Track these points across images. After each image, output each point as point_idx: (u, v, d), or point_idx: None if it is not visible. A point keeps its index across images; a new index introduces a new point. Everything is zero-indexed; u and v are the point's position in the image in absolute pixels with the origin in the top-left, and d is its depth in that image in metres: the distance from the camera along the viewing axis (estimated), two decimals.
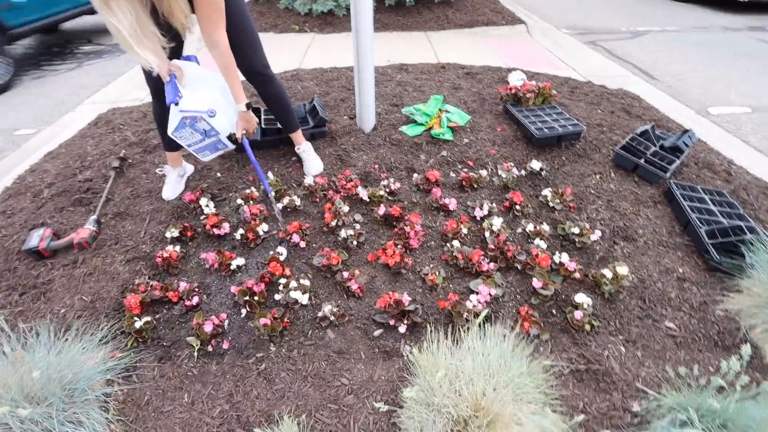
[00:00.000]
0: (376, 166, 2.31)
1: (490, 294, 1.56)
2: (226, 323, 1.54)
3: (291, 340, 1.50)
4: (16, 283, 1.75)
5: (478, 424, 1.08)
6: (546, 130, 2.38)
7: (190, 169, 2.30)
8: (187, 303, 1.61)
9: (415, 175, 2.21)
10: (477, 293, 1.57)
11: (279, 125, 2.28)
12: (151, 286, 1.65)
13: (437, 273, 1.66)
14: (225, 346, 1.48)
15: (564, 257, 1.71)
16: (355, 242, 1.82)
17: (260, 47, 1.95)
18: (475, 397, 1.12)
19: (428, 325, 1.48)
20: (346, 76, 3.53)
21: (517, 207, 1.98)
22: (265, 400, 1.33)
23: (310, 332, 1.52)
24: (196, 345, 1.48)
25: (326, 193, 2.08)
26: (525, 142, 2.47)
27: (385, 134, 2.53)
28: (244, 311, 1.58)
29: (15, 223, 2.05)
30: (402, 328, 1.49)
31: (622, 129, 2.66)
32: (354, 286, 1.62)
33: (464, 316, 1.48)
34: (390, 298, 1.53)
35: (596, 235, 1.81)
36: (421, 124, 2.55)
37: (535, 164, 2.21)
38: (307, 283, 1.63)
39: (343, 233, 1.82)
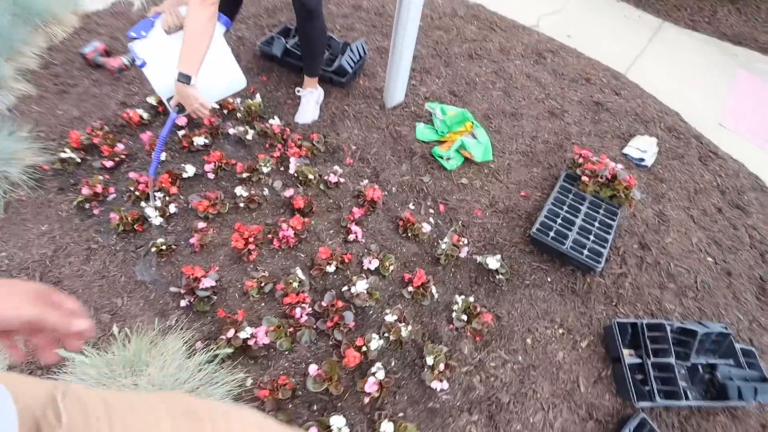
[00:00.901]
0: (354, 147, 2.06)
1: (266, 332, 1.43)
2: (110, 198, 1.78)
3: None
4: (57, 73, 2.25)
5: None
6: (550, 234, 1.72)
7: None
8: (106, 162, 1.87)
9: (366, 181, 1.92)
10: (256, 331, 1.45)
11: None
12: (99, 133, 1.94)
13: (259, 283, 1.56)
14: (96, 212, 1.74)
15: (379, 373, 1.40)
16: (242, 204, 1.78)
17: None
18: None
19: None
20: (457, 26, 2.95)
21: (410, 288, 1.62)
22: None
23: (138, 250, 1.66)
24: (79, 198, 1.76)
25: (274, 144, 1.99)
26: (529, 227, 1.86)
27: (397, 121, 2.17)
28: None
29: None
30: (183, 302, 1.51)
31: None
32: (194, 239, 1.64)
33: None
34: (198, 271, 1.53)
35: (443, 387, 1.40)
36: (436, 132, 2.08)
37: (493, 261, 1.68)
38: (173, 210, 1.72)
39: (239, 190, 1.78)
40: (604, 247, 1.70)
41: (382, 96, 2.26)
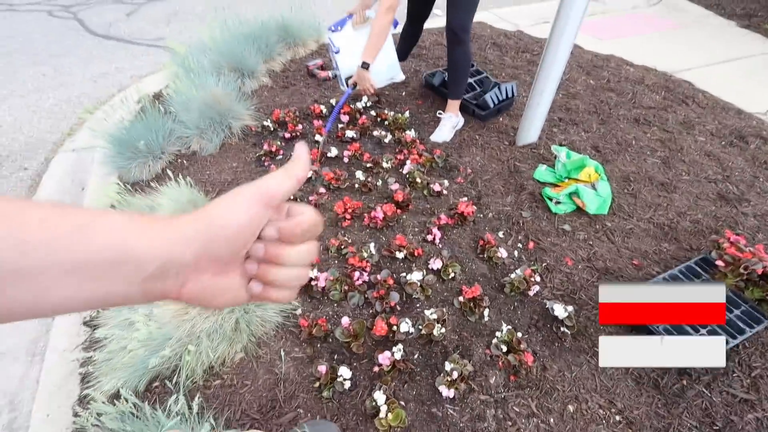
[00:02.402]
0: (470, 171, 2.19)
1: (326, 278, 1.68)
2: (278, 157, 2.41)
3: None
4: (288, 76, 3.16)
5: None
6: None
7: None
8: (287, 134, 2.54)
9: (465, 199, 2.01)
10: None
11: None
12: (291, 115, 2.65)
13: (340, 244, 1.84)
14: (266, 164, 2.39)
15: (398, 354, 1.46)
16: (357, 185, 2.13)
17: (472, 9, 2.09)
18: None
19: None
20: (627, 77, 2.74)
21: (460, 299, 1.62)
22: None
23: None
24: (261, 152, 2.44)
25: (404, 150, 2.29)
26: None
27: (521, 157, 2.19)
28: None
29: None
30: None
31: None
32: (312, 198, 2.06)
33: None
34: None
35: (450, 395, 1.36)
36: (556, 175, 2.01)
37: (560, 309, 1.53)
38: (309, 175, 2.20)
39: (359, 174, 2.14)
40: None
41: (515, 134, 2.34)
